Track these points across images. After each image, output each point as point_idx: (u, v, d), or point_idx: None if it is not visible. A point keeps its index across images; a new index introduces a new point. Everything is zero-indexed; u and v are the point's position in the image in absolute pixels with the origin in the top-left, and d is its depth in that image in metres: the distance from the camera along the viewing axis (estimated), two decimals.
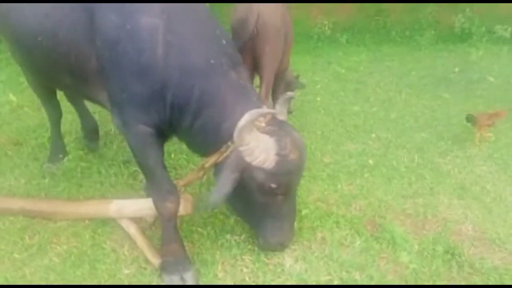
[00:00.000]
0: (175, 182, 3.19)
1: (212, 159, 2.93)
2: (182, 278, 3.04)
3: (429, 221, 3.69)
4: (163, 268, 3.08)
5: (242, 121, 2.62)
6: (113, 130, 5.13)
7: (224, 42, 2.97)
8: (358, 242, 3.40)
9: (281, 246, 3.21)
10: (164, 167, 3.05)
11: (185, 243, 3.27)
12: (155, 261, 3.15)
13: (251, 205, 3.02)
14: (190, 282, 3.04)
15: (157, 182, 3.02)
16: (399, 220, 3.69)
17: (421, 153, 4.81)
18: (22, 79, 6.86)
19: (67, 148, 4.53)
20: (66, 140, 4.65)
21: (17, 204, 3.59)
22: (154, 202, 3.05)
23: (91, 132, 4.68)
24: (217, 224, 3.57)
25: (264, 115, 2.84)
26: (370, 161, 4.61)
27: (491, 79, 7.14)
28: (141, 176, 4.17)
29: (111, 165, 4.36)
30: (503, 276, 3.17)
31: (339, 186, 4.16)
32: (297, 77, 5.72)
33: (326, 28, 9.72)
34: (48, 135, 4.94)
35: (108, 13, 2.71)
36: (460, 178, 4.34)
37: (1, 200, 3.65)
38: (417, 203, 3.91)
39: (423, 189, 4.14)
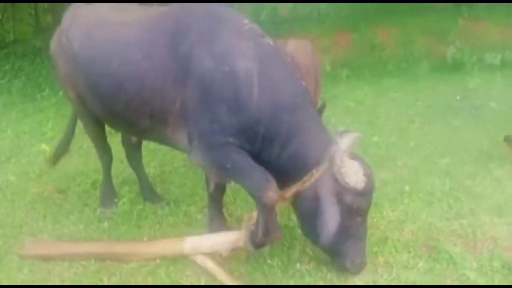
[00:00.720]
0: (249, 215, 3.38)
1: (294, 188, 3.15)
2: None
3: (479, 240, 3.88)
4: None
5: (343, 145, 2.90)
6: (151, 172, 5.28)
7: (304, 82, 3.31)
8: (421, 264, 3.57)
9: (363, 266, 3.37)
10: (254, 162, 3.18)
11: (257, 274, 3.47)
12: None
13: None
14: None
15: (254, 177, 3.12)
16: (451, 241, 3.88)
17: (450, 177, 5.04)
18: (45, 128, 7.05)
19: (119, 192, 4.65)
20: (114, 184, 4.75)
21: (90, 248, 3.69)
22: (256, 195, 3.12)
23: (150, 192, 4.68)
24: (283, 256, 3.70)
25: (355, 139, 3.11)
26: (406, 188, 4.82)
27: (493, 104, 7.48)
28: (195, 215, 4.34)
29: (164, 205, 4.49)
30: None
31: (384, 212, 4.35)
32: (323, 105, 5.92)
33: (326, 64, 10.14)
34: (90, 181, 5.11)
35: (205, 58, 3.02)
36: (494, 198, 4.57)
37: (73, 245, 3.75)
38: (462, 224, 4.11)
39: (464, 211, 4.35)
